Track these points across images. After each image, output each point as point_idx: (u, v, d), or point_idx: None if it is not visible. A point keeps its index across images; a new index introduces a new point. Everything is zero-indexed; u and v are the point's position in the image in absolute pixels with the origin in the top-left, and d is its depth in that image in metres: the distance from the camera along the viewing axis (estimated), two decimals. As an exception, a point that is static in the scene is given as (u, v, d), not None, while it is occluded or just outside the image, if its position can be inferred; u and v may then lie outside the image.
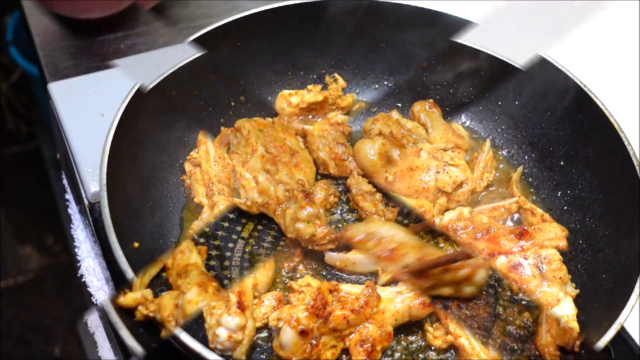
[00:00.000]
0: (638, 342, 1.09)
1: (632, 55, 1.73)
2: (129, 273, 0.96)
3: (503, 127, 1.42)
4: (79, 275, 1.38)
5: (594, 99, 1.22)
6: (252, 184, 1.21)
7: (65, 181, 1.55)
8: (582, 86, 1.24)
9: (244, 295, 1.05)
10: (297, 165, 1.25)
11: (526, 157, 1.38)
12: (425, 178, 1.23)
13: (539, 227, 1.21)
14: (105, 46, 1.61)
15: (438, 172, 1.23)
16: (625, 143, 1.15)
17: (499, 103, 1.41)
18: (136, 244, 1.11)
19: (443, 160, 1.24)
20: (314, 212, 1.14)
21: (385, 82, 1.50)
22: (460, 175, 1.23)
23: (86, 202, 1.26)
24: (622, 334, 1.09)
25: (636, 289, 0.99)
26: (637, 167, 1.12)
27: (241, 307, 1.03)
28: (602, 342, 0.94)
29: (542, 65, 1.29)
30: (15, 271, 2.59)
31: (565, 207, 1.28)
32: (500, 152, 1.41)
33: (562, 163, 1.31)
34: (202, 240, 1.20)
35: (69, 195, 1.51)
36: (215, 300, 1.01)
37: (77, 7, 1.58)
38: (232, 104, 1.40)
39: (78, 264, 1.39)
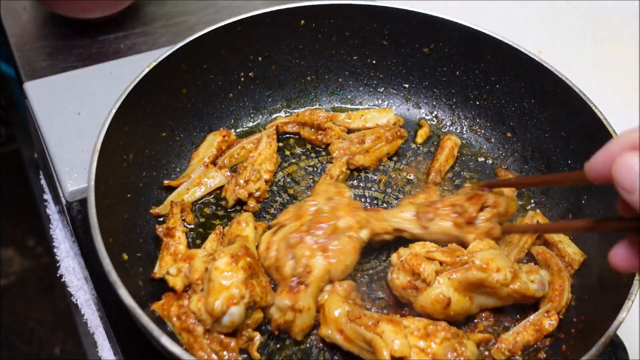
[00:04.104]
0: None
1: (632, 57, 1.74)
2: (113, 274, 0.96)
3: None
4: (58, 275, 1.38)
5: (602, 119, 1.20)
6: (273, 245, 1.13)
7: (43, 181, 1.55)
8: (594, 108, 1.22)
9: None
10: (325, 250, 1.09)
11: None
12: None
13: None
14: (105, 46, 1.61)
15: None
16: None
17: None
18: (125, 256, 1.11)
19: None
20: (288, 305, 1.04)
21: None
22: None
23: (64, 201, 1.26)
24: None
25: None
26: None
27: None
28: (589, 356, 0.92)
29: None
30: (-3, 275, 2.59)
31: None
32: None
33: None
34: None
35: (47, 196, 1.51)
36: (243, 275, 1.01)
37: (77, 7, 1.59)
38: (242, 79, 1.41)
39: (57, 264, 1.39)
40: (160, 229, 1.17)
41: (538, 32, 1.77)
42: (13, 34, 1.64)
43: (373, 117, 1.41)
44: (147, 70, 1.22)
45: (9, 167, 2.80)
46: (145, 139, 1.24)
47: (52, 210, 1.48)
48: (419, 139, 1.41)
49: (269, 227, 1.19)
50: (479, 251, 1.10)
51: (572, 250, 1.19)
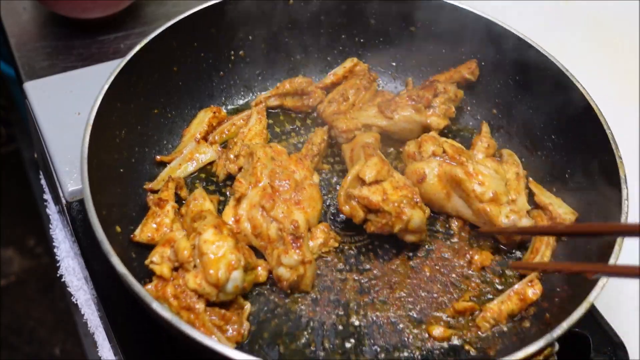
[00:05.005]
0: (616, 331, 1.10)
1: (632, 57, 1.74)
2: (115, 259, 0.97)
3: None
4: (58, 275, 1.38)
5: (597, 113, 1.22)
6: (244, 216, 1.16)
7: (43, 181, 1.55)
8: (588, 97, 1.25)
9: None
10: (299, 203, 1.16)
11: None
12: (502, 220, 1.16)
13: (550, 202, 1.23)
14: (105, 46, 1.61)
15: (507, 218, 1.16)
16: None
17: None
18: (118, 228, 1.14)
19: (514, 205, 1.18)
20: (298, 260, 1.09)
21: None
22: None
23: (64, 201, 1.26)
24: (600, 322, 1.10)
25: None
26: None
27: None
28: (571, 320, 0.95)
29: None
30: (-3, 274, 2.58)
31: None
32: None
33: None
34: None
35: (47, 196, 1.51)
36: (232, 241, 1.04)
37: (77, 7, 1.59)
38: (232, 57, 1.43)
39: (57, 264, 1.39)
40: (151, 197, 1.20)
41: (538, 32, 1.77)
42: (13, 34, 1.64)
43: (340, 66, 1.46)
44: (138, 47, 1.24)
45: (9, 167, 2.80)
46: (137, 115, 1.27)
47: (52, 210, 1.48)
48: None
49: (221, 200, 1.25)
50: (480, 164, 1.19)
51: (563, 211, 1.21)
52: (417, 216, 1.11)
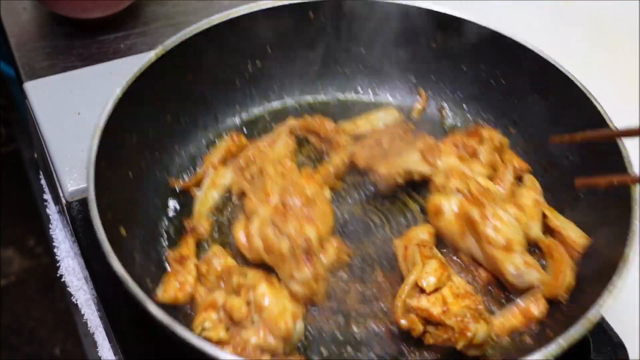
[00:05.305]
0: (616, 330, 1.09)
1: (632, 57, 1.74)
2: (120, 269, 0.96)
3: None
4: (58, 275, 1.38)
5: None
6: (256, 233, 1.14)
7: (43, 181, 1.55)
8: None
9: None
10: (310, 219, 1.13)
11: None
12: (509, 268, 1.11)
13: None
14: (105, 46, 1.61)
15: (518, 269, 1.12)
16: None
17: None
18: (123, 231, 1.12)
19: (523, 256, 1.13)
20: (311, 275, 1.08)
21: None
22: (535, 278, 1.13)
23: (64, 201, 1.26)
24: (601, 322, 1.08)
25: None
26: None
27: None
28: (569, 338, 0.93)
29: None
30: (-3, 275, 2.59)
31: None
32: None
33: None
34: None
35: (47, 196, 1.51)
36: (287, 292, 1.05)
37: (77, 7, 1.59)
38: (249, 68, 1.43)
39: (57, 264, 1.39)
40: (171, 255, 1.15)
41: (538, 32, 1.77)
42: (13, 34, 1.64)
43: (379, 118, 1.41)
44: (153, 57, 1.24)
45: (9, 167, 2.80)
46: (149, 121, 1.26)
47: (52, 210, 1.48)
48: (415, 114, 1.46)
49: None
50: (501, 210, 1.14)
51: (575, 235, 1.18)
52: (481, 330, 1.03)
